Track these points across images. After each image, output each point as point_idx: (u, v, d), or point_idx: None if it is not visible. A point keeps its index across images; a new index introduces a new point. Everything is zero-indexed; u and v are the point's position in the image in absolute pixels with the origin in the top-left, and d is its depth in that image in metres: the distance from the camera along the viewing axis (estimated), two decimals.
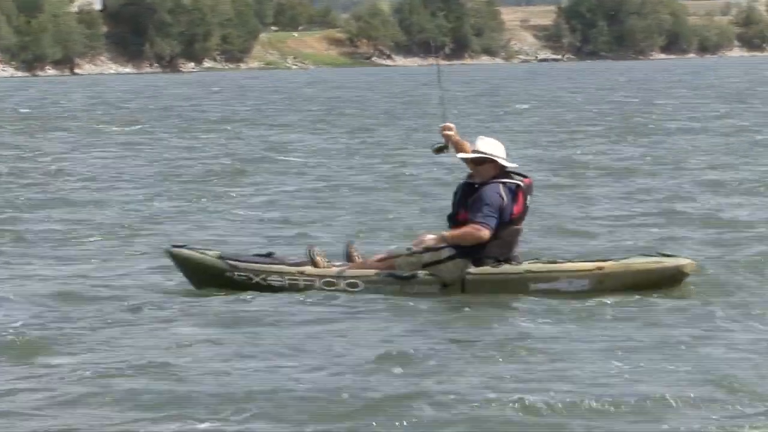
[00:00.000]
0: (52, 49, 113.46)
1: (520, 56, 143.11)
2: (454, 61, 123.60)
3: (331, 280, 10.43)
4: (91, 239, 14.22)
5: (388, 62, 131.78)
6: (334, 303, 10.02)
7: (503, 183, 10.24)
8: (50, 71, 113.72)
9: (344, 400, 7.12)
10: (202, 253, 10.88)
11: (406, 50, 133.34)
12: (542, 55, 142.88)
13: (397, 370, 7.65)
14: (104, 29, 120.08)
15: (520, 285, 10.26)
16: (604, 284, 10.29)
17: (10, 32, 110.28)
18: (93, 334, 9.01)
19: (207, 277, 10.67)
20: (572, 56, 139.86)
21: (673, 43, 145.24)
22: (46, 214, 17.20)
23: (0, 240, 14.73)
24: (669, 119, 37.43)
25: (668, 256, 10.72)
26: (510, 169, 10.31)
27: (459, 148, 10.50)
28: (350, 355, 8.26)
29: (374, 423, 6.70)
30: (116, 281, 11.38)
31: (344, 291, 10.31)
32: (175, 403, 7.05)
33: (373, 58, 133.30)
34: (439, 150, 10.92)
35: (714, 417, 6.63)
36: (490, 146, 10.28)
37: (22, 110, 51.32)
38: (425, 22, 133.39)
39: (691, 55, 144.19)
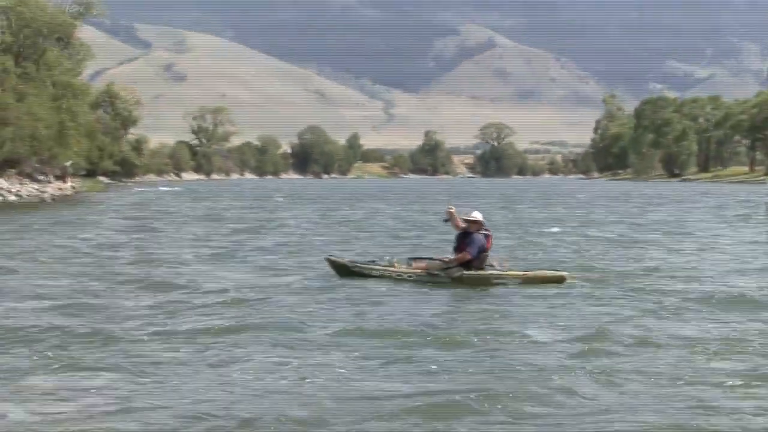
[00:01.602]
0: (271, 167, 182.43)
1: (458, 175, 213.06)
2: (432, 176, 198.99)
3: (401, 274, 14.67)
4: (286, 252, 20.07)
5: (405, 176, 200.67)
6: (401, 285, 14.25)
7: (483, 234, 14.68)
8: (268, 177, 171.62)
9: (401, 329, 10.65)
10: (341, 259, 15.55)
11: (413, 171, 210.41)
12: (468, 175, 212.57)
13: (430, 318, 11.45)
14: (290, 159, 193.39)
15: (487, 281, 14.31)
16: (527, 283, 14.14)
17: (253, 158, 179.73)
18: (286, 301, 12.78)
19: (344, 271, 15.04)
20: (480, 176, 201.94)
21: (522, 170, 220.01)
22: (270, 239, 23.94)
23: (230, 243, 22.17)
24: (535, 196, 57.83)
25: (557, 270, 14.83)
26: (485, 226, 14.74)
27: (455, 220, 14.84)
28: (409, 310, 12.10)
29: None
30: (298, 274, 15.85)
31: (406, 279, 14.51)
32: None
33: (399, 175, 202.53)
34: (446, 220, 15.08)
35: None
36: (478, 215, 14.82)
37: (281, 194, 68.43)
38: (421, 159, 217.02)
39: (528, 176, 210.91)
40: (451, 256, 14.80)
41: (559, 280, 14.33)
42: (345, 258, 15.79)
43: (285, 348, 9.65)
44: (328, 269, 15.45)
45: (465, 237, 14.69)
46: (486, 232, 14.73)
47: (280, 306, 12.35)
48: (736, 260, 19.05)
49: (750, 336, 10.39)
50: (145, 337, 10.18)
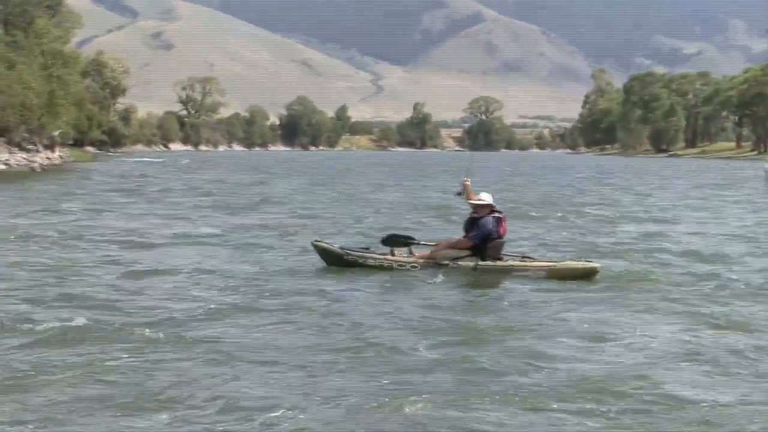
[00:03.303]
0: (259, 138, 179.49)
1: (446, 148, 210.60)
2: (422, 149, 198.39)
3: (402, 263, 12.82)
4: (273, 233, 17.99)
5: (393, 149, 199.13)
6: (402, 275, 12.45)
7: (494, 216, 12.79)
8: (256, 149, 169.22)
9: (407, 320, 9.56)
10: (330, 245, 13.31)
11: (401, 144, 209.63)
12: (456, 148, 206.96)
13: (435, 312, 10.02)
14: (278, 131, 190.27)
15: (507, 272, 12.51)
16: (552, 275, 12.37)
17: (241, 130, 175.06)
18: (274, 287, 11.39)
19: (333, 259, 13.02)
20: (468, 149, 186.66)
21: (510, 144, 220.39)
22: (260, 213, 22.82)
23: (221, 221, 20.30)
24: (534, 174, 54.10)
25: (588, 261, 12.91)
26: (495, 208, 12.84)
27: (469, 195, 13.11)
28: (411, 302, 10.69)
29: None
30: (281, 262, 13.86)
31: (408, 269, 12.70)
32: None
33: (388, 148, 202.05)
34: (459, 194, 13.37)
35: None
36: (487, 197, 12.97)
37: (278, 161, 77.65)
38: (409, 131, 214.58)
39: (516, 150, 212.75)
40: (447, 240, 13.38)
41: (591, 273, 12.58)
42: (335, 244, 13.57)
43: (263, 357, 8.16)
44: (316, 257, 13.43)
45: (472, 223, 13.00)
46: (498, 215, 12.90)
47: (253, 305, 10.51)
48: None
49: None
50: (113, 328, 9.13)
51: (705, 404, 6.88)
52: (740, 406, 6.86)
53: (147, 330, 8.95)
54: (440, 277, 12.28)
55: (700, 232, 20.35)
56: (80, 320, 9.26)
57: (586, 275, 12.52)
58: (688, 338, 9.04)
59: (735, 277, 13.04)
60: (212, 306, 10.32)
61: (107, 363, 7.84)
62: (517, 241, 15.50)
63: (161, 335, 8.76)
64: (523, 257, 13.13)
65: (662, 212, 26.18)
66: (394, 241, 13.24)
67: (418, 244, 13.25)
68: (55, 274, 12.68)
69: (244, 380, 7.36)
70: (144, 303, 10.57)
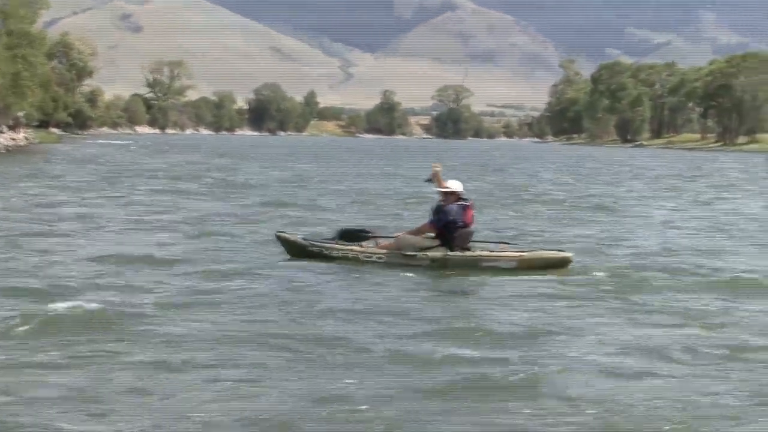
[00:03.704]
0: (227, 122, 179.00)
1: (414, 136, 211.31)
2: (390, 136, 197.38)
3: (368, 254, 12.40)
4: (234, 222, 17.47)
5: (361, 135, 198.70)
6: (367, 267, 12.06)
7: (459, 204, 12.41)
8: (223, 133, 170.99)
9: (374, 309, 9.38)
10: (294, 236, 13.02)
11: (368, 131, 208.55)
12: (424, 136, 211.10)
13: (400, 299, 10.03)
14: (246, 115, 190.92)
15: (476, 263, 12.15)
16: (523, 265, 12.08)
17: (209, 114, 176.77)
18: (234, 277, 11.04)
19: (296, 250, 12.69)
20: (435, 137, 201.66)
21: (478, 133, 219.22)
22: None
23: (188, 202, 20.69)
24: (503, 163, 55.04)
25: (560, 250, 12.80)
26: (462, 196, 12.48)
27: (439, 180, 12.64)
28: (376, 295, 10.33)
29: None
30: (243, 252, 13.42)
31: (374, 261, 12.31)
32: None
33: (356, 134, 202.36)
34: (429, 181, 12.90)
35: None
36: (455, 184, 12.56)
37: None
38: (379, 117, 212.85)
39: (484, 138, 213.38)
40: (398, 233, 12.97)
41: (563, 262, 12.37)
42: (299, 235, 13.30)
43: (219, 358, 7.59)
44: (279, 248, 13.13)
45: (438, 210, 12.69)
46: (464, 203, 12.59)
47: (210, 297, 10.02)
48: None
49: None
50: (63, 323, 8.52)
51: (674, 402, 6.62)
52: (710, 402, 6.66)
53: (94, 322, 8.48)
54: (406, 269, 11.97)
55: (673, 222, 20.36)
56: (20, 311, 8.68)
57: (559, 264, 12.27)
58: (658, 334, 8.76)
59: (708, 269, 12.84)
60: (165, 298, 9.80)
61: (47, 359, 7.33)
62: (485, 232, 15.14)
63: (109, 328, 8.31)
64: (500, 242, 13.00)
65: (634, 202, 26.38)
66: (348, 236, 12.78)
67: (375, 237, 12.83)
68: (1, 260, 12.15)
69: (195, 377, 6.98)
70: (92, 293, 9.91)
